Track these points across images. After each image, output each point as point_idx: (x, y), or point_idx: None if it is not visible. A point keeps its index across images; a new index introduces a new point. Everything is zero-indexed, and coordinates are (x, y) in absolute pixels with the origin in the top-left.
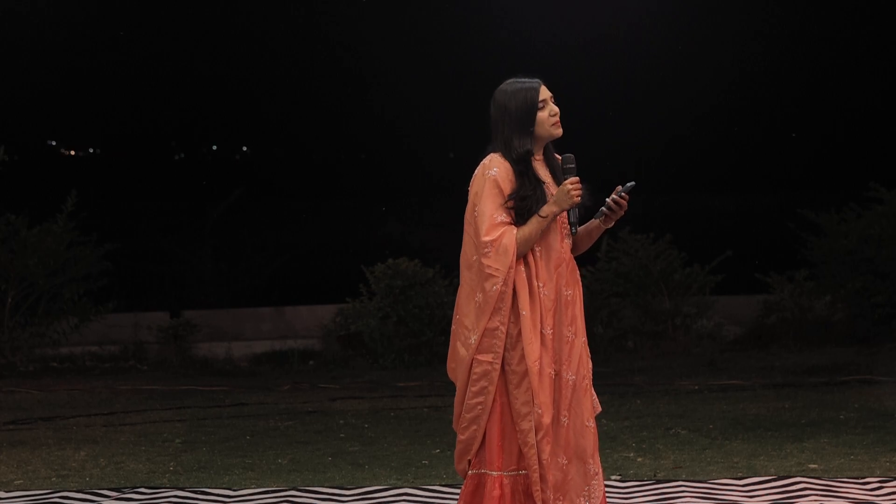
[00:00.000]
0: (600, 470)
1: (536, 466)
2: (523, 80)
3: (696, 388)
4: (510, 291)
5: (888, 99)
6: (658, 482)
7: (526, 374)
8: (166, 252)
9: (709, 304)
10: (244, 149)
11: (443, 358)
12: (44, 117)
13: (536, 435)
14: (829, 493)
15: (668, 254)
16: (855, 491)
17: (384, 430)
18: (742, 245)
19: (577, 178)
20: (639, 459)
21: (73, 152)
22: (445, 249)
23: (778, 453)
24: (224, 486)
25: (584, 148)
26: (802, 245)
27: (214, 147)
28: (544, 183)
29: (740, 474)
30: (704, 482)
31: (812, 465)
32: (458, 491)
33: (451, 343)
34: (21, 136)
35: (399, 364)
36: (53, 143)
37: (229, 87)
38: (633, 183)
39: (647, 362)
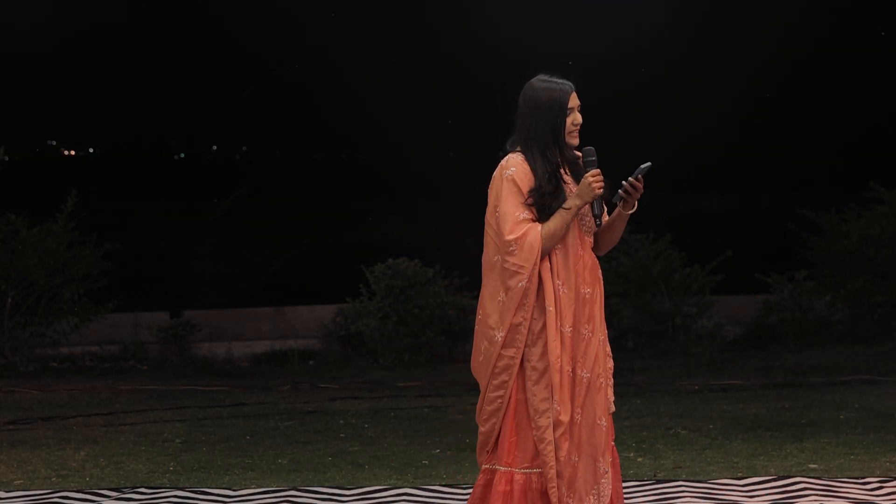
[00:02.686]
0: (611, 468)
1: (553, 463)
2: (556, 80)
3: (696, 388)
4: (534, 288)
5: (889, 99)
6: (658, 482)
7: (546, 370)
8: (166, 252)
9: (709, 304)
10: (244, 149)
11: (443, 358)
12: (44, 117)
13: (555, 432)
14: (829, 493)
15: (668, 254)
16: (855, 491)
17: (384, 430)
18: (742, 245)
19: (599, 171)
20: (639, 459)
21: (73, 152)
22: (445, 249)
23: (778, 453)
24: (224, 486)
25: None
26: (802, 245)
27: (214, 147)
28: (566, 183)
29: (740, 474)
30: (704, 482)
31: (812, 465)
32: (458, 491)
33: (474, 343)
34: (21, 136)
35: (399, 364)
36: (53, 143)
37: (229, 87)
38: (649, 164)
39: (647, 362)
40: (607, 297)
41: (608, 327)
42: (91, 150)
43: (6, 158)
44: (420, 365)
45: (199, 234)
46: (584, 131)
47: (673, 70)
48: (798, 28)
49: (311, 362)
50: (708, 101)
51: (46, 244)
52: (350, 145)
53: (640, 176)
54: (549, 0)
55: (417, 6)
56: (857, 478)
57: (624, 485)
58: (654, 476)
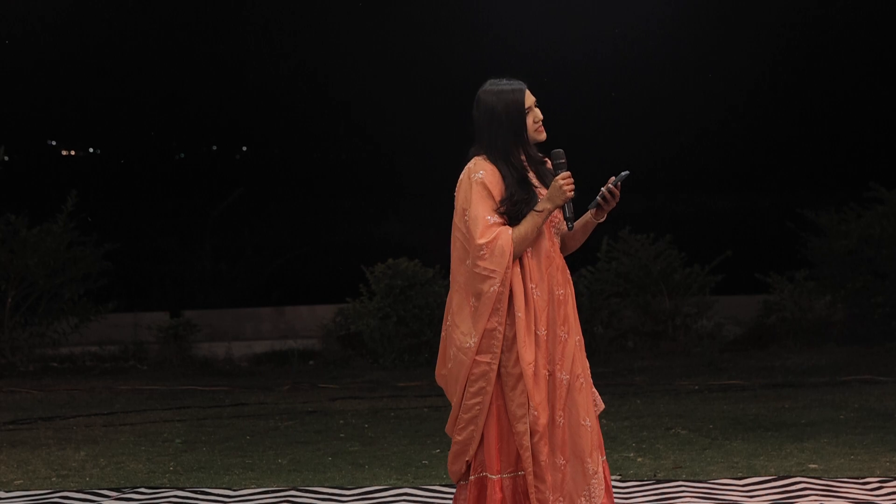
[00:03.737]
0: (601, 468)
1: (532, 468)
2: (507, 81)
3: (696, 388)
4: (507, 292)
5: (889, 99)
6: (658, 482)
7: (521, 376)
8: (166, 252)
9: (709, 304)
10: (244, 149)
11: None
12: (44, 117)
13: (533, 437)
14: (829, 493)
15: (668, 254)
16: (855, 491)
17: (384, 430)
18: (742, 245)
19: (569, 173)
20: (639, 459)
21: (73, 152)
22: (445, 249)
23: (778, 453)
24: (224, 486)
25: (587, 152)
26: (802, 245)
27: (214, 147)
28: (535, 186)
29: (740, 474)
30: (704, 482)
31: (812, 465)
32: None
33: (441, 349)
34: (21, 136)
35: (399, 364)
36: (53, 143)
37: (229, 87)
38: (627, 172)
39: (647, 362)
40: (607, 297)
41: (608, 327)
42: (91, 150)
43: (6, 158)
44: (420, 365)
45: (199, 234)
46: (584, 131)
47: (674, 71)
48: (799, 29)
49: (311, 362)
50: (708, 101)
51: (46, 244)
52: (350, 146)
53: (618, 184)
54: (552, 4)
55: (418, 8)
56: (857, 478)
57: (624, 485)
58: (654, 476)
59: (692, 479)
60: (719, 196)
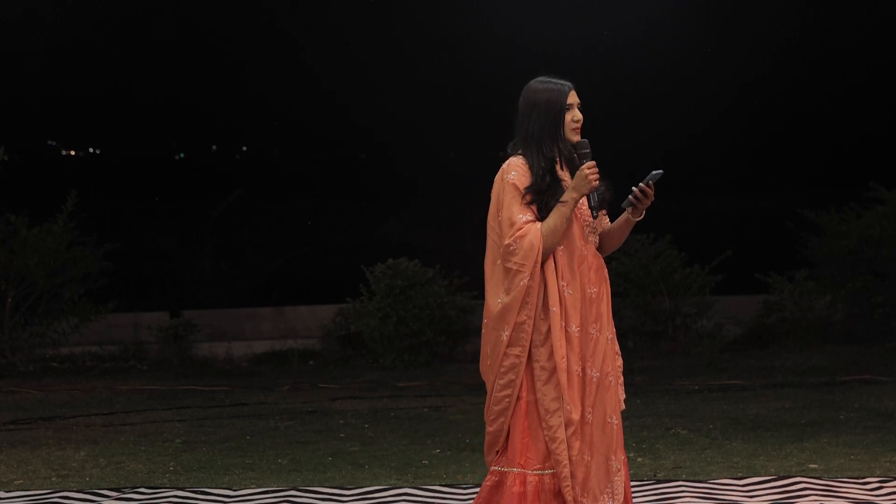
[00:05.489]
0: (623, 466)
1: (567, 463)
2: (555, 80)
3: (696, 388)
4: (536, 286)
5: (889, 99)
6: (658, 482)
7: (555, 370)
8: (166, 252)
9: (709, 304)
10: (244, 149)
11: (443, 358)
12: (44, 117)
13: (566, 430)
14: (829, 493)
15: (668, 254)
16: (855, 491)
17: (384, 430)
18: (742, 245)
19: (594, 163)
20: (639, 459)
21: (73, 152)
22: (445, 249)
23: (778, 453)
24: (224, 486)
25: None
26: (802, 245)
27: (214, 147)
28: (562, 181)
29: (740, 474)
30: (704, 482)
31: (812, 465)
32: (458, 491)
33: (482, 346)
34: (21, 136)
35: (399, 364)
36: (53, 143)
37: (230, 87)
38: (660, 171)
39: (647, 362)
40: None
41: None
42: (91, 150)
43: (6, 158)
44: (420, 365)
45: (199, 234)
46: (584, 130)
47: (673, 70)
48: (800, 29)
49: (311, 362)
50: (708, 101)
51: (46, 244)
52: (350, 146)
53: (650, 182)
54: (552, 4)
55: (418, 8)
56: (857, 478)
57: None
58: (654, 476)
59: (692, 479)
60: (719, 196)
